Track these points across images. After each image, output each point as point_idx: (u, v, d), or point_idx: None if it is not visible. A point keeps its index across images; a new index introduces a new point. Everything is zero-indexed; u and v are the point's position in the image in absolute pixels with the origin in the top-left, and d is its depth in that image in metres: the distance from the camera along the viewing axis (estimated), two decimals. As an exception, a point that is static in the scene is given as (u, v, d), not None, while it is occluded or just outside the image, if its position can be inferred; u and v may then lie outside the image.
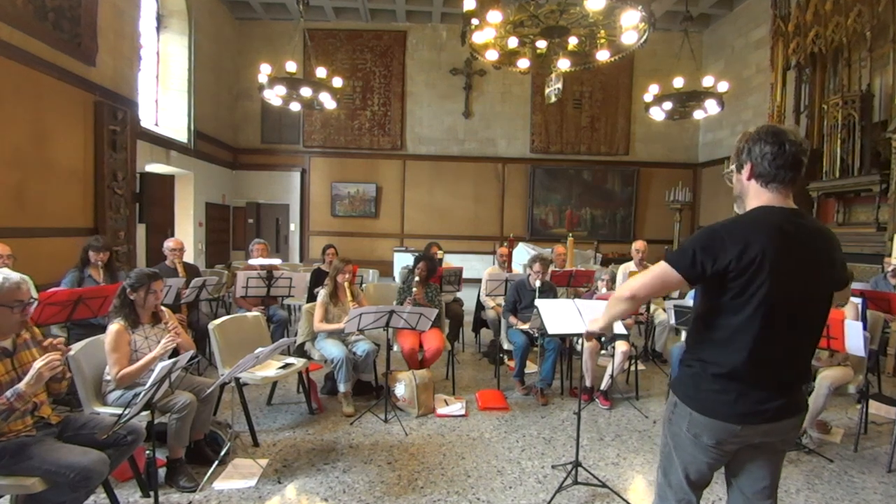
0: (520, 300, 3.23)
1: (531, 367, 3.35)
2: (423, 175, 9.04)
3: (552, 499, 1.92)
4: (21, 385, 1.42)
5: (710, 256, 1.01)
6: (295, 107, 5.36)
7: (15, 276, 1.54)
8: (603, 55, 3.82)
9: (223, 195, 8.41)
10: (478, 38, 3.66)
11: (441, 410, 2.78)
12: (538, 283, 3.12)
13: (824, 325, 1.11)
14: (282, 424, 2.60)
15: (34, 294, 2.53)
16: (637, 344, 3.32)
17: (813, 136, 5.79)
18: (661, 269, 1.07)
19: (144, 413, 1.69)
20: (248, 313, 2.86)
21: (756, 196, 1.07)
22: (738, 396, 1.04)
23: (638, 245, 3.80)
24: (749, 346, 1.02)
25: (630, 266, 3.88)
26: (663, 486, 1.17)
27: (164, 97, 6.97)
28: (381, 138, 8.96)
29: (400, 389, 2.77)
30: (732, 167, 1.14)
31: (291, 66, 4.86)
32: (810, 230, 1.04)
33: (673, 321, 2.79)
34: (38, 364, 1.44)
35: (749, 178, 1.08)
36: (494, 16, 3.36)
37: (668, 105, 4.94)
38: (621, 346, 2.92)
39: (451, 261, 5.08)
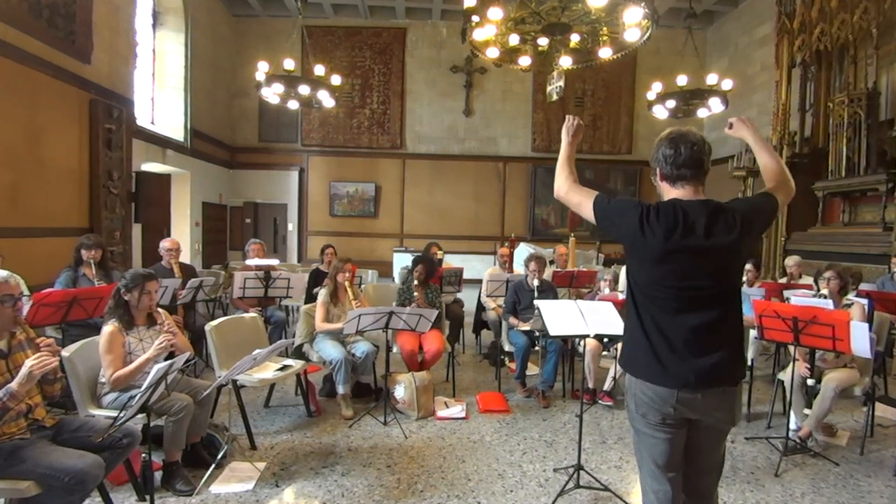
0: (519, 301, 3.21)
1: (532, 369, 3.32)
2: (423, 174, 9.00)
3: (554, 502, 1.90)
4: (13, 384, 1.41)
5: (627, 213, 1.17)
6: (293, 105, 5.31)
7: (1, 271, 1.53)
8: (605, 53, 3.78)
9: (220, 195, 8.37)
10: (478, 35, 3.63)
11: (441, 413, 2.76)
12: (536, 283, 3.09)
13: (734, 295, 1.21)
14: (280, 427, 2.57)
15: (26, 293, 2.50)
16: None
17: (818, 134, 5.77)
18: (586, 197, 1.24)
19: (140, 416, 1.67)
20: (246, 314, 2.84)
21: (668, 194, 1.21)
22: (662, 359, 1.16)
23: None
24: (669, 313, 1.16)
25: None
26: (642, 479, 1.26)
27: (160, 95, 6.93)
28: (380, 137, 8.91)
29: (399, 391, 2.74)
30: (653, 173, 1.28)
31: (289, 64, 4.81)
32: (710, 210, 1.15)
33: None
34: (28, 363, 1.42)
35: (661, 180, 1.22)
36: (495, 13, 3.33)
37: (671, 103, 4.90)
38: (624, 348, 2.89)
39: (451, 261, 5.05)
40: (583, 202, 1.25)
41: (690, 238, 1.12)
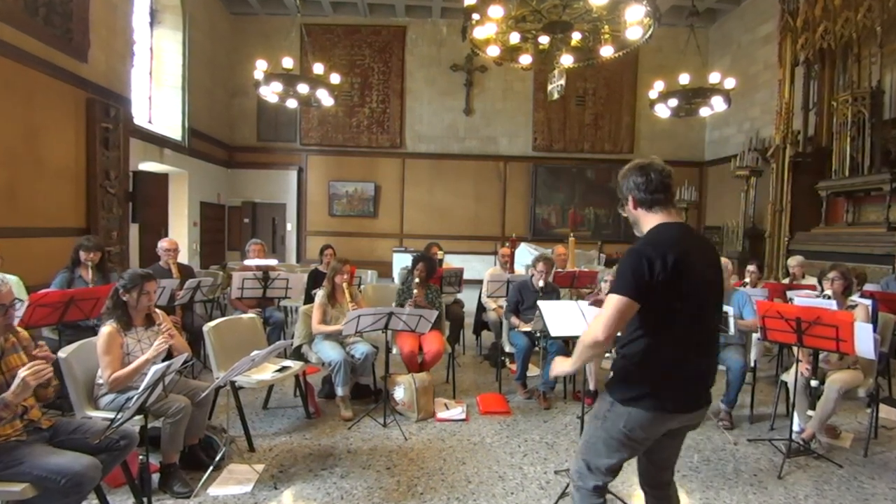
0: (522, 301, 3.19)
1: (533, 370, 3.30)
2: (423, 174, 8.97)
3: (555, 506, 1.88)
4: (7, 395, 1.40)
5: (643, 272, 1.15)
6: (292, 104, 5.28)
7: None
8: (607, 51, 3.75)
9: (218, 194, 8.34)
10: (479, 33, 3.60)
11: (441, 414, 2.74)
12: (541, 284, 3.07)
13: (720, 316, 1.33)
14: (278, 429, 2.56)
15: (24, 295, 2.48)
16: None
17: (822, 133, 5.75)
18: (615, 302, 1.17)
19: (138, 417, 1.66)
20: (244, 315, 2.82)
21: (646, 219, 1.26)
22: (672, 390, 1.21)
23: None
24: (683, 343, 1.20)
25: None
26: (582, 470, 1.31)
27: (157, 94, 6.89)
28: (379, 136, 8.88)
29: (399, 393, 2.72)
30: (623, 203, 1.32)
31: (288, 63, 4.78)
32: (697, 238, 1.29)
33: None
34: (22, 373, 1.40)
35: (635, 208, 1.27)
36: (496, 10, 3.30)
37: (673, 102, 4.87)
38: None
39: (451, 261, 5.03)
40: (618, 308, 1.16)
41: (700, 262, 1.21)
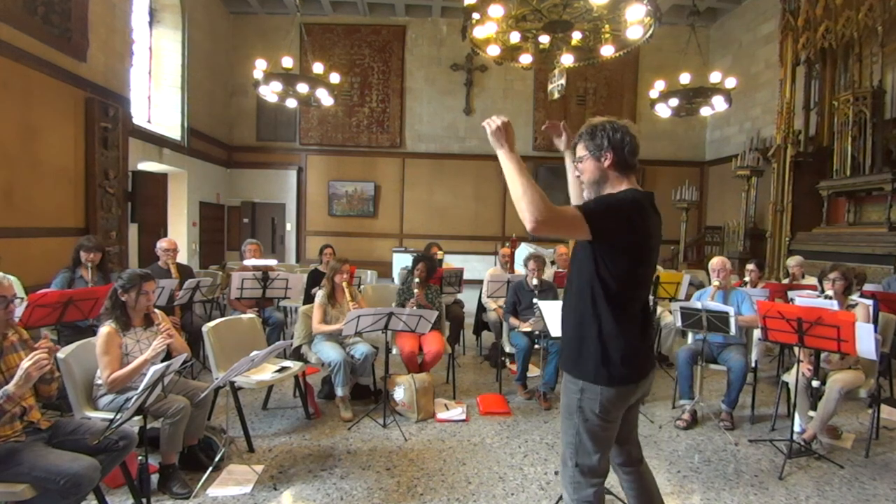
0: (519, 301, 3.18)
1: (534, 371, 3.29)
2: (423, 173, 8.95)
3: (556, 507, 1.87)
4: (10, 386, 1.40)
5: (628, 223, 1.11)
6: (291, 103, 5.27)
7: None
8: (607, 50, 3.74)
9: (217, 194, 8.33)
10: (479, 32, 3.59)
11: (441, 415, 2.73)
12: (535, 282, 3.06)
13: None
14: (278, 429, 2.55)
15: (21, 294, 2.47)
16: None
17: (823, 133, 5.73)
18: (575, 213, 1.11)
19: (136, 418, 1.66)
20: (243, 315, 2.81)
21: (616, 182, 1.19)
22: (637, 355, 1.19)
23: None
24: (642, 311, 1.20)
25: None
26: (575, 477, 1.25)
27: (156, 94, 6.88)
28: (379, 136, 8.86)
29: (399, 393, 2.71)
30: (583, 154, 1.21)
31: (287, 62, 4.77)
32: (654, 207, 1.24)
33: (679, 323, 2.73)
34: (25, 363, 1.41)
35: (610, 167, 1.18)
36: (496, 10, 3.29)
37: (674, 102, 4.87)
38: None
39: (451, 261, 5.01)
40: (574, 221, 1.07)
41: (657, 228, 1.20)
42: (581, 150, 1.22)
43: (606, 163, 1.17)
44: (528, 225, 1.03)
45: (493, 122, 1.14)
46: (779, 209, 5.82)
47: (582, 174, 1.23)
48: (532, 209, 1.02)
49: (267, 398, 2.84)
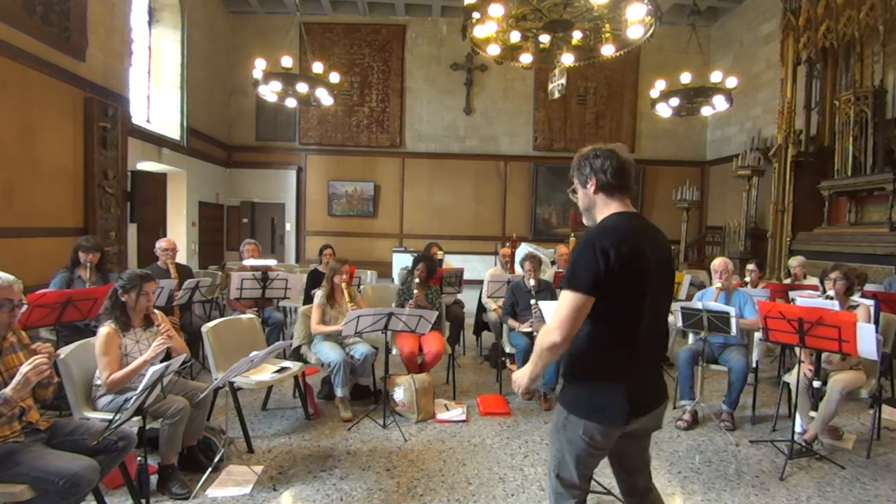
0: (517, 302, 3.17)
1: (533, 370, 3.28)
2: (423, 173, 8.94)
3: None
4: (7, 390, 1.39)
5: (597, 265, 1.10)
6: (291, 103, 5.26)
7: (8, 275, 1.52)
8: (608, 50, 3.73)
9: (217, 194, 8.31)
10: (479, 32, 3.58)
11: (441, 416, 2.73)
12: (532, 283, 3.06)
13: (668, 308, 1.29)
14: (277, 430, 2.54)
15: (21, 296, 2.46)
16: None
17: (824, 133, 5.73)
18: (570, 300, 1.12)
19: (136, 418, 1.66)
20: (243, 316, 2.80)
21: (604, 206, 1.21)
22: (627, 392, 1.14)
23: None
24: (635, 341, 1.15)
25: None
26: (557, 489, 1.26)
27: (156, 93, 6.87)
28: (379, 135, 8.85)
29: (399, 394, 2.71)
30: (575, 184, 1.27)
31: (287, 62, 4.76)
32: (651, 229, 1.22)
33: (680, 324, 2.72)
34: (24, 368, 1.40)
35: (596, 192, 1.22)
36: (496, 9, 3.28)
37: (674, 101, 4.85)
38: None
39: (451, 262, 5.01)
40: (572, 305, 1.10)
41: (653, 254, 1.16)
42: (574, 182, 1.28)
43: (591, 189, 1.21)
44: (560, 342, 1.14)
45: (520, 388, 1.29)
46: (780, 209, 5.81)
47: (578, 203, 1.28)
48: (555, 350, 1.15)
49: (266, 399, 2.83)
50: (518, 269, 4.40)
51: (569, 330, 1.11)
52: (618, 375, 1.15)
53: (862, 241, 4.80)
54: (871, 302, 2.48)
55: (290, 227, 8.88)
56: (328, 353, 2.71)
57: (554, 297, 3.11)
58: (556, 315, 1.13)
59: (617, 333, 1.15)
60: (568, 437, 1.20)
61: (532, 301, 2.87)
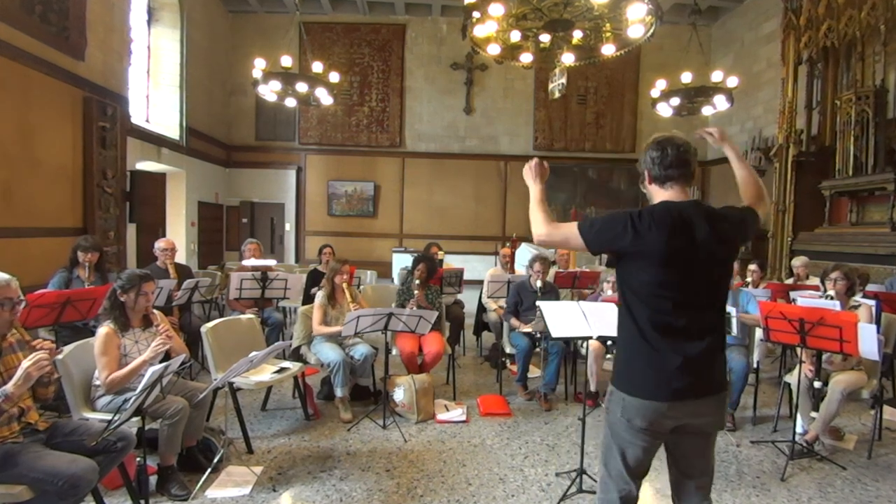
0: (521, 302, 3.17)
1: (534, 372, 3.29)
2: (423, 173, 8.93)
3: (557, 509, 1.87)
4: (8, 386, 1.39)
5: (614, 230, 1.15)
6: (290, 103, 5.25)
7: (4, 274, 1.52)
8: (608, 49, 3.72)
9: (216, 194, 8.31)
10: (479, 31, 3.56)
11: (441, 416, 2.72)
12: (539, 284, 3.05)
13: (725, 296, 1.24)
14: (277, 431, 2.54)
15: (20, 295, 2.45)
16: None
17: (825, 132, 5.72)
18: (571, 228, 1.20)
19: (135, 419, 1.65)
20: (242, 316, 2.80)
21: (656, 195, 1.24)
22: (665, 367, 1.14)
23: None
24: (669, 326, 1.15)
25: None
26: (604, 478, 1.25)
27: (155, 93, 6.86)
28: (379, 135, 8.85)
29: (399, 394, 2.70)
30: (642, 179, 1.29)
31: (287, 61, 4.75)
32: (705, 212, 1.19)
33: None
34: (25, 364, 1.40)
35: (650, 183, 1.25)
36: (496, 8, 3.26)
37: (675, 101, 4.84)
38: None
39: (451, 262, 5.01)
40: (569, 235, 1.21)
41: (691, 237, 1.14)
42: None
43: (646, 181, 1.26)
44: (534, 240, 1.27)
45: (534, 162, 1.35)
46: (781, 209, 5.80)
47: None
48: (536, 229, 1.26)
49: (266, 399, 2.83)
50: (518, 270, 4.39)
51: (548, 238, 1.23)
52: (653, 348, 1.15)
53: (863, 241, 4.80)
54: (872, 302, 2.47)
55: (289, 227, 8.87)
56: (328, 353, 2.70)
57: (557, 299, 3.11)
58: (556, 223, 1.23)
59: (654, 312, 1.15)
60: (611, 420, 1.22)
61: (537, 302, 2.86)
